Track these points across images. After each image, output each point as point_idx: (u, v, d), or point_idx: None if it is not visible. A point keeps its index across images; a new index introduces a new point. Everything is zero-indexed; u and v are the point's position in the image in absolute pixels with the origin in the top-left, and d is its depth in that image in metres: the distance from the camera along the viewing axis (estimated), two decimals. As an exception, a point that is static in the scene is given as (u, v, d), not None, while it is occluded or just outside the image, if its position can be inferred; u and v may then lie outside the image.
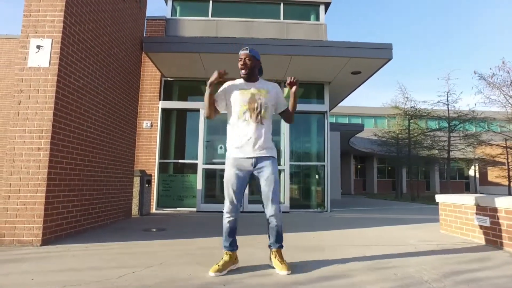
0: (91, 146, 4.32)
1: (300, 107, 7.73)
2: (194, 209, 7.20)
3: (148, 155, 7.50)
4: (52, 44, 3.57)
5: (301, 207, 7.38)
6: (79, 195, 4.05)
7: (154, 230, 4.45)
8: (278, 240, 2.53)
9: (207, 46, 6.20)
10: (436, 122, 16.89)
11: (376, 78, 61.28)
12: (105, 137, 4.74)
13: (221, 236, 2.56)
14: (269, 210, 2.46)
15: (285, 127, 7.43)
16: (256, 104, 2.50)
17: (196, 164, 7.38)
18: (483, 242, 3.52)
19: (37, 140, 3.46)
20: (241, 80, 2.61)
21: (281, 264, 2.42)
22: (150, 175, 6.81)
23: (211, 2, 8.00)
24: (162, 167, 7.55)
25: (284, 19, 7.90)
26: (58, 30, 3.60)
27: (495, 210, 3.36)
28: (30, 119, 3.49)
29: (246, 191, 7.32)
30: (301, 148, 8.00)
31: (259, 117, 2.48)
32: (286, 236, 2.76)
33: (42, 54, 3.56)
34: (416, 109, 14.55)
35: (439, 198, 4.38)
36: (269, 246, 2.58)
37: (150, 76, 7.63)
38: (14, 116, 3.51)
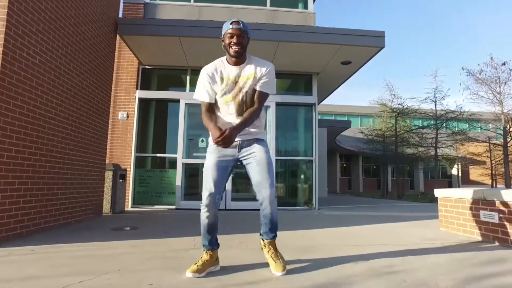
0: (51, 133, 3.76)
1: (287, 98, 7.39)
2: (173, 207, 6.69)
3: (124, 148, 6.92)
4: (-2, 10, 3.02)
5: (286, 205, 6.95)
6: (34, 189, 3.49)
7: (125, 229, 3.93)
8: (272, 230, 2.19)
9: (188, 29, 5.70)
10: (423, 120, 16.85)
11: (365, 79, 61.83)
12: (70, 124, 4.19)
13: (199, 235, 2.16)
14: (263, 194, 2.10)
15: (271, 119, 7.00)
16: (241, 95, 2.15)
17: (175, 159, 6.86)
18: (490, 240, 3.19)
19: (-22, 122, 2.90)
20: (223, 62, 2.18)
21: (275, 261, 2.09)
22: (125, 170, 6.26)
23: (193, -14, 7.49)
24: (139, 162, 6.99)
25: (270, 6, 7.46)
26: (5, -7, 3.05)
27: (505, 204, 3.02)
28: (-30, 97, 2.92)
29: (230, 186, 6.86)
30: (287, 142, 7.60)
31: (244, 108, 2.16)
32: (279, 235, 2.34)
33: (-14, 21, 2.99)
34: (403, 106, 14.42)
35: (438, 192, 4.04)
36: (260, 236, 2.25)
37: (127, 64, 7.06)
38: (-50, 94, 2.94)
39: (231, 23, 2.11)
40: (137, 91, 7.02)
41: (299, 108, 7.51)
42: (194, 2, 7.42)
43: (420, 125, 15.59)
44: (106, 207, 5.56)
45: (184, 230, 3.88)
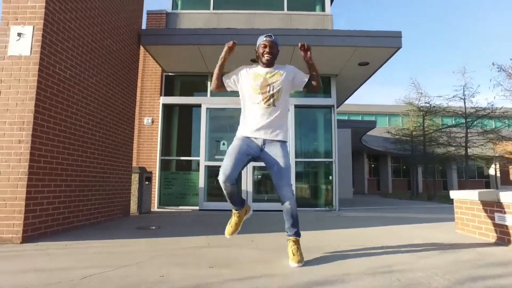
0: (81, 140, 4.13)
1: (306, 101, 7.47)
2: (197, 208, 6.98)
3: (150, 152, 7.31)
4: (33, 32, 3.39)
5: (308, 206, 7.04)
6: (67, 191, 3.86)
7: (150, 228, 4.23)
8: (294, 225, 2.45)
9: (206, 38, 5.96)
10: (452, 118, 16.18)
11: (389, 76, 60.03)
12: (98, 131, 4.56)
13: (213, 235, 2.73)
14: (282, 194, 2.38)
15: (289, 122, 7.11)
16: (268, 88, 2.46)
17: (198, 161, 7.16)
18: (505, 243, 3.14)
19: (18, 132, 3.28)
20: (256, 66, 2.58)
21: (293, 255, 2.35)
22: (150, 172, 6.62)
23: (213, -6, 7.77)
24: (164, 164, 7.35)
25: (288, 10, 7.58)
26: (39, 16, 3.42)
27: (517, 206, 2.97)
28: (11, 110, 3.31)
29: (251, 188, 7.05)
30: (307, 144, 7.68)
31: (271, 100, 2.45)
32: (283, 236, 2.51)
33: (23, 42, 3.38)
34: (430, 104, 13.95)
35: (454, 194, 3.99)
36: (286, 232, 2.51)
37: (151, 71, 7.46)
38: (-5, 108, 3.34)
39: (265, 36, 2.50)
40: (161, 97, 7.40)
41: (318, 110, 7.57)
42: (213, 9, 7.70)
43: (449, 124, 14.97)
44: (133, 207, 5.93)
45: (201, 230, 4.10)
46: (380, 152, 21.11)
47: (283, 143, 2.48)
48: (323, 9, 7.63)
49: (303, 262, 2.32)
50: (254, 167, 7.01)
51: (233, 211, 2.57)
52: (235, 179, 2.37)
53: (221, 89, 2.59)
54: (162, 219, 5.18)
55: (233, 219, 2.57)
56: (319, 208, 7.06)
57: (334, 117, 7.25)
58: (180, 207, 7.07)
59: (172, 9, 7.73)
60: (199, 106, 7.28)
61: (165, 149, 7.44)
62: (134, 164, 6.96)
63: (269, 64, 2.50)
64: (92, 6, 4.35)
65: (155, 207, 7.04)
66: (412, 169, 15.90)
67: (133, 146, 5.86)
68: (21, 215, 3.18)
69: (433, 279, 2.00)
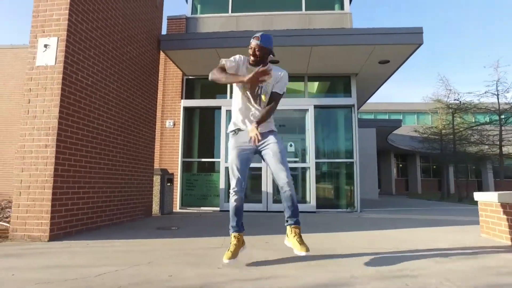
0: (103, 144, 4.33)
1: (326, 101, 7.39)
2: (218, 209, 7.08)
3: (172, 154, 7.51)
4: (58, 42, 3.61)
5: (329, 207, 6.96)
6: (91, 192, 4.06)
7: (167, 229, 4.35)
8: (294, 213, 2.47)
9: (223, 41, 6.05)
10: (485, 115, 15.36)
11: (416, 72, 57.85)
12: (119, 135, 4.75)
13: (229, 236, 2.52)
14: (280, 178, 2.43)
15: (310, 122, 7.06)
16: (257, 88, 2.54)
17: (218, 163, 7.27)
18: (531, 247, 2.96)
19: (45, 137, 3.49)
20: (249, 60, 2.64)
21: (300, 244, 2.35)
22: (172, 174, 6.80)
23: (231, -3, 7.86)
24: (186, 166, 7.52)
25: (306, 10, 7.52)
26: (63, 28, 3.62)
27: (545, 209, 2.79)
28: (38, 116, 3.54)
29: (271, 190, 7.07)
30: (327, 145, 7.58)
31: (258, 101, 2.56)
32: (306, 237, 2.52)
33: (49, 53, 3.60)
34: (460, 101, 13.32)
35: (478, 196, 3.81)
36: (286, 222, 2.51)
37: (172, 75, 7.66)
38: (24, 115, 3.59)
39: (253, 37, 2.54)
40: (182, 100, 7.58)
41: (338, 110, 7.46)
42: (231, 12, 7.79)
43: (482, 122, 14.22)
44: (156, 208, 6.12)
45: (218, 231, 4.16)
46: (408, 152, 20.41)
47: (274, 132, 2.59)
48: (342, 7, 7.52)
49: (309, 250, 2.33)
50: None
51: (233, 234, 2.47)
52: (244, 188, 2.49)
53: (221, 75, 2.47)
54: (183, 220, 5.31)
55: (233, 243, 2.41)
56: (340, 209, 6.95)
57: (354, 117, 7.12)
58: (202, 208, 7.20)
59: (192, 14, 7.90)
60: (219, 108, 7.39)
61: (187, 151, 7.61)
62: (157, 166, 7.17)
63: (254, 64, 2.53)
64: (112, 15, 4.55)
65: (177, 208, 7.21)
66: (442, 169, 15.24)
67: (154, 148, 6.05)
68: (48, 215, 3.38)
69: (444, 286, 1.94)
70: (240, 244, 2.45)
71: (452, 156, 13.76)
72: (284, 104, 7.04)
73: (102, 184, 4.30)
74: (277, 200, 7.08)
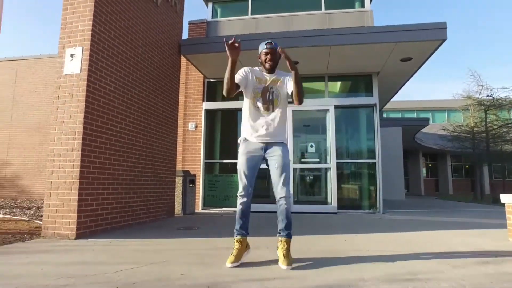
0: (126, 146, 4.53)
1: (347, 101, 7.29)
2: (239, 209, 7.16)
3: (194, 156, 7.70)
4: (82, 52, 3.83)
5: (350, 208, 6.86)
6: (114, 193, 4.26)
7: (188, 229, 4.49)
8: (287, 226, 2.51)
9: (241, 44, 6.12)
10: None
11: (446, 69, 55.33)
12: (142, 137, 4.95)
13: (248, 236, 2.61)
14: (278, 192, 2.50)
15: (330, 123, 6.99)
16: (268, 94, 2.62)
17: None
18: (560, 253, 2.79)
19: (71, 141, 3.72)
20: (259, 69, 2.70)
21: (284, 257, 2.38)
22: (194, 175, 6.97)
23: (250, 0, 7.94)
24: (208, 167, 7.68)
25: (325, 9, 7.46)
26: (87, 38, 3.84)
27: None
28: (66, 122, 3.77)
29: (292, 190, 7.07)
30: (349, 145, 7.48)
31: (270, 105, 2.62)
32: (316, 239, 2.54)
33: (75, 62, 3.83)
34: (493, 98, 12.65)
35: (504, 198, 3.63)
36: (278, 233, 2.55)
37: (194, 79, 7.85)
38: (53, 120, 3.84)
39: (265, 44, 2.62)
40: (204, 103, 7.75)
41: (359, 110, 7.34)
42: (251, 15, 7.87)
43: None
44: (178, 209, 6.30)
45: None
46: (438, 151, 19.61)
47: (283, 144, 2.62)
48: (362, 5, 7.39)
49: (292, 265, 2.34)
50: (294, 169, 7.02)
51: (236, 239, 2.54)
52: (251, 194, 2.59)
53: (236, 90, 2.56)
54: (204, 220, 5.45)
55: (236, 248, 2.49)
56: (362, 211, 6.84)
57: (376, 116, 6.97)
58: (223, 209, 7.33)
59: (212, 18, 8.06)
60: (239, 110, 7.43)
61: (209, 153, 7.76)
62: (180, 167, 7.38)
63: (271, 70, 2.63)
64: (133, 23, 4.75)
65: (199, 209, 7.38)
66: (475, 169, 14.52)
67: (176, 151, 6.23)
68: (74, 214, 3.60)
69: (455, 290, 1.89)
70: (244, 248, 2.53)
71: (485, 155, 13.10)
72: (305, 104, 7.05)
73: (125, 186, 4.51)
74: (298, 201, 7.08)
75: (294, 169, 7.06)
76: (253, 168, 2.58)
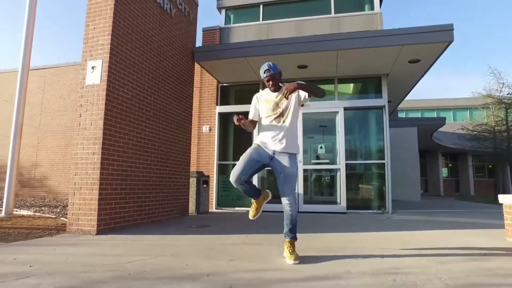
0: (142, 149, 4.88)
1: (356, 102, 7.42)
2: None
3: (208, 158, 8.02)
4: (102, 64, 4.19)
5: (359, 208, 6.98)
6: (131, 193, 4.61)
7: (199, 227, 4.79)
8: (292, 230, 2.72)
9: (251, 50, 6.39)
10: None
11: (464, 66, 53.47)
12: (157, 141, 5.29)
13: (252, 234, 3.10)
14: (285, 199, 2.70)
15: (340, 124, 7.14)
16: (279, 110, 2.84)
17: (251, 165, 7.60)
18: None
19: (92, 146, 4.09)
20: (265, 91, 2.98)
21: (290, 254, 2.62)
22: (208, 176, 7.28)
23: (261, 6, 8.19)
24: (221, 169, 7.98)
25: (335, 13, 7.61)
26: (106, 51, 4.21)
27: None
28: (87, 128, 4.15)
29: (301, 191, 7.26)
30: (358, 146, 7.59)
31: (281, 119, 2.82)
32: (318, 237, 2.75)
33: (95, 73, 4.20)
34: (515, 95, 12.32)
35: (502, 198, 3.71)
36: (284, 236, 2.75)
37: (208, 83, 8.18)
38: (76, 127, 4.23)
39: (264, 72, 2.84)
40: (217, 106, 8.06)
41: (369, 111, 7.44)
42: (262, 20, 8.12)
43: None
44: (192, 208, 6.63)
45: (245, 229, 4.50)
46: (458, 150, 19.17)
47: (292, 154, 2.78)
48: (372, 7, 7.48)
49: (299, 259, 2.58)
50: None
51: (252, 200, 2.97)
52: (244, 181, 2.76)
53: (255, 126, 3.02)
54: (215, 219, 5.74)
55: (253, 206, 2.96)
56: (371, 211, 6.94)
57: (386, 118, 7.06)
58: (236, 208, 7.61)
59: (225, 24, 8.37)
60: (250, 113, 7.73)
61: (222, 155, 8.06)
62: (195, 168, 7.72)
63: (275, 91, 2.89)
64: (149, 35, 5.10)
65: (213, 208, 7.69)
66: (497, 169, 14.15)
67: (190, 153, 6.55)
68: (95, 212, 3.96)
69: (431, 283, 2.06)
70: (260, 203, 2.96)
71: (506, 154, 12.77)
72: (314, 106, 7.26)
73: (142, 186, 4.85)
74: (307, 201, 7.26)
75: (304, 170, 7.24)
76: (254, 162, 2.76)
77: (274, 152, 2.77)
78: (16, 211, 6.07)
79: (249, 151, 2.83)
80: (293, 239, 2.71)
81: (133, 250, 3.09)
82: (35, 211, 6.22)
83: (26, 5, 5.80)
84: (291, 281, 2.12)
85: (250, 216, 2.94)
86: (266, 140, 2.80)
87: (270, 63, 2.86)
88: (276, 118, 2.80)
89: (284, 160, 2.74)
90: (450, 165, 21.63)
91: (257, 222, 5.21)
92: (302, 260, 2.60)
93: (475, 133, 14.14)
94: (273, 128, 2.80)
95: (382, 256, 2.79)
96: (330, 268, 2.43)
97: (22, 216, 5.52)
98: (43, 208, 6.97)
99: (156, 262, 2.56)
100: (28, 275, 2.16)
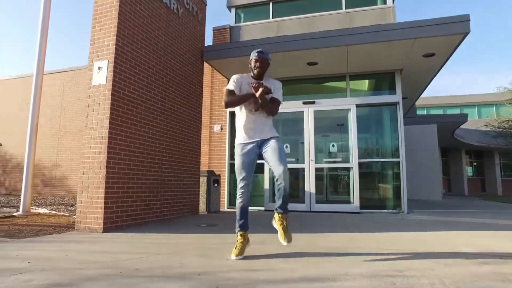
0: (150, 149, 4.92)
1: (368, 99, 7.22)
2: (263, 208, 7.37)
3: (220, 157, 8.03)
4: (108, 64, 4.25)
5: (373, 208, 6.78)
6: (139, 192, 4.65)
7: (207, 225, 4.77)
8: (284, 204, 2.67)
9: (260, 48, 6.30)
10: None
11: (489, 60, 51.16)
12: (165, 140, 5.32)
13: (255, 233, 2.87)
14: (276, 170, 2.61)
15: (352, 122, 6.96)
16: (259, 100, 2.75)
17: (263, 164, 7.53)
18: None
19: (99, 145, 4.15)
20: (247, 76, 2.89)
21: (284, 233, 2.59)
22: (219, 175, 7.27)
23: (271, 3, 8.11)
24: (233, 168, 7.93)
25: (346, 8, 7.42)
26: (112, 52, 4.26)
27: None
28: (94, 128, 4.21)
29: (313, 190, 7.14)
30: (371, 144, 7.39)
31: (259, 109, 2.79)
32: (323, 236, 2.68)
33: (101, 74, 4.26)
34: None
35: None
36: (276, 209, 2.72)
37: (218, 82, 8.18)
38: (84, 127, 4.31)
39: (257, 52, 2.84)
40: (228, 105, 8.03)
41: (382, 108, 7.22)
42: (272, 18, 8.04)
43: None
44: (203, 207, 6.64)
45: (252, 229, 4.40)
46: (483, 148, 18.36)
47: (276, 137, 2.81)
48: (384, 1, 7.25)
49: (292, 241, 2.56)
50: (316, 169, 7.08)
51: (239, 233, 2.76)
52: (250, 190, 2.83)
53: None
54: (225, 218, 5.71)
55: (239, 241, 2.71)
56: (386, 210, 6.72)
57: (400, 115, 6.81)
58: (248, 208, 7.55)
59: (235, 23, 8.34)
60: (261, 111, 7.67)
61: (233, 154, 8.02)
62: (206, 168, 7.74)
63: (259, 76, 2.83)
64: (156, 34, 5.13)
65: (225, 207, 7.68)
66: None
67: (200, 152, 6.56)
68: (102, 210, 4.02)
69: (433, 287, 1.93)
70: (245, 241, 2.75)
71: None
72: (326, 104, 7.11)
73: (150, 185, 4.89)
74: (320, 200, 7.12)
75: (316, 169, 7.11)
76: (251, 166, 2.79)
77: (260, 142, 2.78)
78: (34, 209, 6.28)
79: (240, 160, 2.80)
80: (285, 212, 2.67)
81: (135, 247, 3.11)
82: (52, 209, 6.41)
83: (40, 11, 5.98)
84: (280, 282, 2.05)
85: (234, 255, 2.61)
86: (250, 133, 2.79)
87: (265, 51, 2.87)
88: (256, 108, 2.78)
89: (271, 141, 2.75)
90: (475, 163, 20.75)
91: (264, 222, 5.16)
92: (301, 260, 2.52)
93: (500, 130, 13.47)
94: (254, 119, 2.79)
95: (386, 258, 2.67)
96: (327, 268, 2.34)
97: (38, 214, 5.70)
98: (59, 207, 7.18)
99: (151, 260, 2.55)
100: (23, 271, 2.20)
